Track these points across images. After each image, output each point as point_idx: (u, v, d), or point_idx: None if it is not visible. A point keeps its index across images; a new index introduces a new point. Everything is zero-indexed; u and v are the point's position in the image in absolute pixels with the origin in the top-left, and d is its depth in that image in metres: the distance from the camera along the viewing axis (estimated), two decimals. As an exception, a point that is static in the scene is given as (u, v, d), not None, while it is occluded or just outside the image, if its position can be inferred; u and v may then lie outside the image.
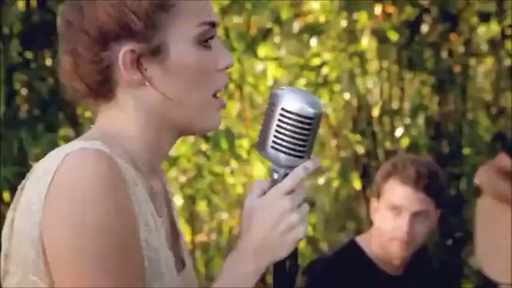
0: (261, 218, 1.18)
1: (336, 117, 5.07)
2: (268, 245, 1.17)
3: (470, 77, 5.22)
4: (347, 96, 4.93)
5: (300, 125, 1.18)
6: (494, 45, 4.99)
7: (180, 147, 4.28)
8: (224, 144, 3.87)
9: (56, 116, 3.45)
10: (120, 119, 1.21)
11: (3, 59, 3.20)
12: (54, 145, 3.31)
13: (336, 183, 5.02)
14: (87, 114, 3.85)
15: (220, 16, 4.14)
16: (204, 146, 4.25)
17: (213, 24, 1.19)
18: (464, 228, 4.71)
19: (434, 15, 4.69)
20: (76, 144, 1.14)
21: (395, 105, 4.94)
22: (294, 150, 1.19)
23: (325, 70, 4.72)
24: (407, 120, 4.86)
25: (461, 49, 4.97)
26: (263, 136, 1.21)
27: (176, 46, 1.18)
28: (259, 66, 4.96)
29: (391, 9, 4.56)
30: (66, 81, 1.22)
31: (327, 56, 4.79)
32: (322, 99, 5.04)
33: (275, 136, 1.19)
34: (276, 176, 1.21)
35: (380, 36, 4.60)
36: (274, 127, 1.19)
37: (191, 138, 4.25)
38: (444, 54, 4.87)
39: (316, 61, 4.75)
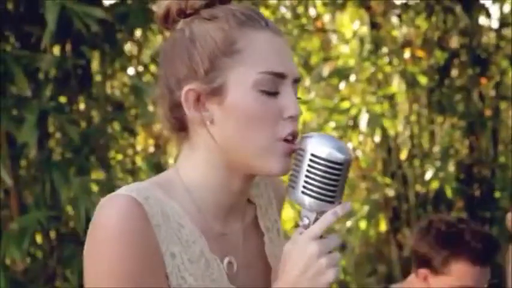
0: (291, 263, 1.20)
1: (365, 160, 5.07)
2: None
3: (502, 120, 5.20)
4: (377, 139, 4.94)
5: (329, 170, 1.20)
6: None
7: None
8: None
9: (87, 159, 3.49)
10: (191, 158, 1.28)
11: (38, 103, 3.25)
12: (85, 188, 3.35)
13: (364, 226, 5.00)
14: (119, 157, 3.90)
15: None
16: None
17: (279, 75, 1.24)
18: (497, 274, 4.64)
19: (463, 59, 4.69)
20: (121, 188, 1.24)
21: (425, 148, 4.92)
22: (324, 195, 1.21)
23: (354, 113, 4.73)
24: (438, 163, 4.84)
25: (492, 93, 4.96)
26: (293, 181, 1.22)
27: (235, 90, 1.24)
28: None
29: (420, 53, 4.58)
30: (161, 122, 1.32)
31: (356, 99, 4.80)
32: (352, 142, 5.05)
33: (305, 181, 1.21)
34: (306, 221, 1.22)
35: (409, 80, 4.62)
36: (304, 172, 1.21)
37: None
38: (475, 97, 4.87)
39: (345, 104, 4.77)
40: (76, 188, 3.26)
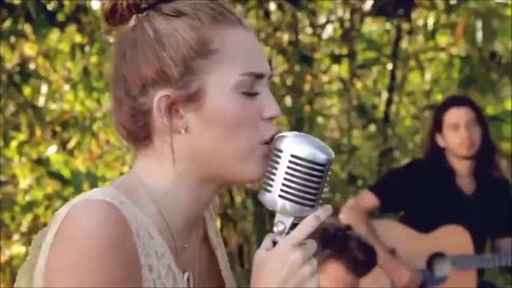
0: (270, 271, 1.12)
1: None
2: None
3: (320, 116, 5.35)
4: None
5: (311, 172, 1.12)
6: (345, 85, 5.15)
7: (37, 192, 4.05)
8: (86, 188, 3.69)
9: None
10: (156, 169, 1.18)
11: None
12: None
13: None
14: None
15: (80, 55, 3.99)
16: (66, 191, 4.04)
17: (259, 75, 1.17)
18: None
19: (291, 55, 4.76)
20: (89, 193, 1.13)
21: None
22: (305, 198, 1.13)
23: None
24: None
25: (315, 89, 5.08)
26: (268, 184, 1.14)
27: (214, 94, 1.15)
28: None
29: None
30: (113, 123, 1.21)
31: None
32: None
33: (283, 184, 1.13)
34: (281, 226, 1.14)
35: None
36: (282, 175, 1.13)
37: (50, 183, 4.03)
38: (300, 94, 4.96)
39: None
40: None
